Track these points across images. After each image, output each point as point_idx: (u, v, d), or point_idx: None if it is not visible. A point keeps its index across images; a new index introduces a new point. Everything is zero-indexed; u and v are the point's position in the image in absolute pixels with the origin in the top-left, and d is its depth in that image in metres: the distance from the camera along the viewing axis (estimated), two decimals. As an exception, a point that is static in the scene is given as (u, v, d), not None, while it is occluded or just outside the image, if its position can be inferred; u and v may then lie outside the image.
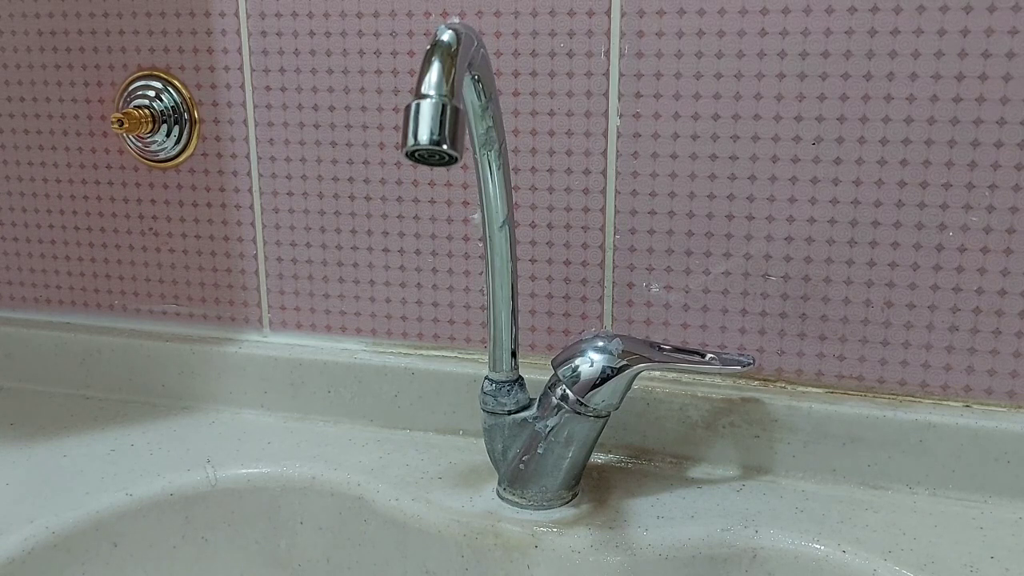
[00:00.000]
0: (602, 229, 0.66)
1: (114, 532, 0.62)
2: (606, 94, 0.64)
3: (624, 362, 0.57)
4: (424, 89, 0.44)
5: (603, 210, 0.66)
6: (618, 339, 0.57)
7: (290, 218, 0.73)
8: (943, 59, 0.57)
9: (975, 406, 0.62)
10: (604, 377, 0.57)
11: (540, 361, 0.69)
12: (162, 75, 0.73)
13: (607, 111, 0.64)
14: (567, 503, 0.61)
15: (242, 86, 0.71)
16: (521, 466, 0.60)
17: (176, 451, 0.68)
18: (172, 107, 0.73)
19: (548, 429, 0.58)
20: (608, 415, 0.59)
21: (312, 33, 0.69)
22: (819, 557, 0.56)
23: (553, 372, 0.59)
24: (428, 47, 0.46)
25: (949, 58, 0.57)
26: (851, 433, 0.62)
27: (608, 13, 0.62)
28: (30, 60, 0.76)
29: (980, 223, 0.59)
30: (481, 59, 0.50)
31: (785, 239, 0.62)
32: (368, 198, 0.70)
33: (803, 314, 0.63)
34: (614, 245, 0.66)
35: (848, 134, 0.60)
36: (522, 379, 0.60)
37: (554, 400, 0.58)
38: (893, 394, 0.63)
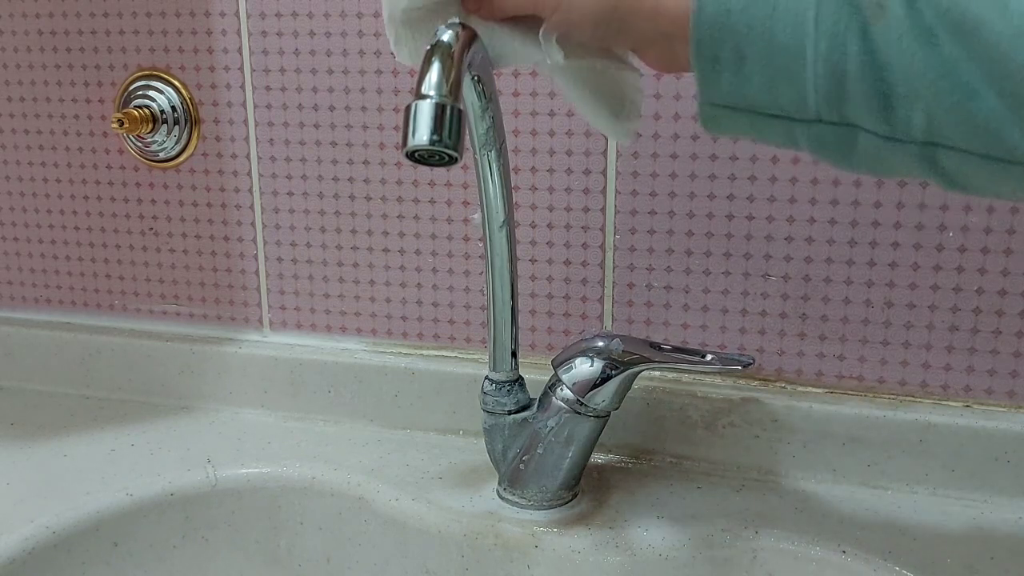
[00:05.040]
0: (602, 229, 0.66)
1: (114, 532, 0.62)
2: (606, 94, 0.63)
3: (624, 362, 0.57)
4: (424, 89, 0.44)
5: (603, 210, 0.65)
6: (618, 339, 0.57)
7: (290, 218, 0.73)
8: (943, 59, 0.57)
9: (975, 406, 0.62)
10: (604, 377, 0.57)
11: (540, 361, 0.69)
12: (162, 75, 0.73)
13: (607, 111, 0.64)
14: (567, 503, 0.61)
15: (242, 86, 0.71)
16: (521, 466, 0.60)
17: (176, 451, 0.68)
18: (172, 107, 0.73)
19: (548, 429, 0.58)
20: (608, 415, 0.59)
21: (312, 33, 0.68)
22: (819, 557, 0.56)
23: (553, 372, 0.59)
24: (428, 47, 0.46)
25: (949, 58, 0.57)
26: (851, 433, 0.62)
27: (608, 13, 0.62)
28: (30, 60, 0.76)
29: (980, 223, 0.59)
30: (481, 59, 0.50)
31: (785, 239, 0.62)
32: (368, 198, 0.70)
33: (803, 314, 0.63)
34: (614, 245, 0.66)
35: (848, 134, 0.60)
36: (522, 379, 0.60)
37: (554, 400, 0.58)
38: (893, 394, 0.63)
